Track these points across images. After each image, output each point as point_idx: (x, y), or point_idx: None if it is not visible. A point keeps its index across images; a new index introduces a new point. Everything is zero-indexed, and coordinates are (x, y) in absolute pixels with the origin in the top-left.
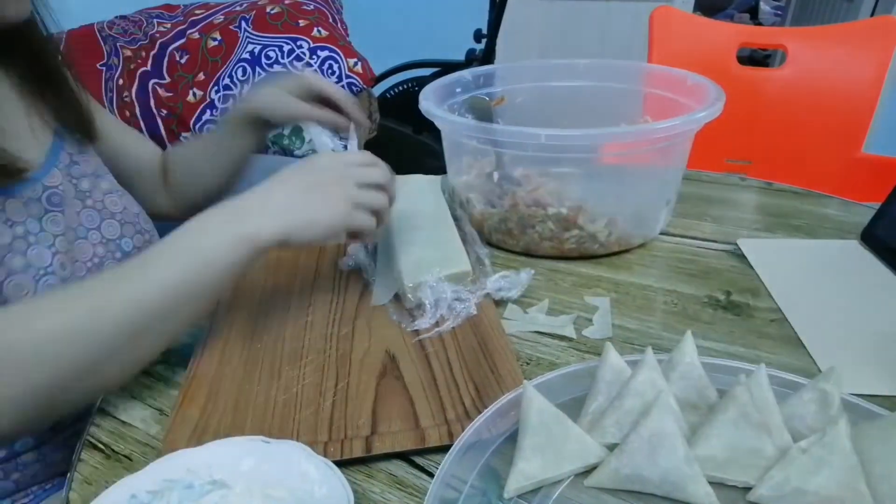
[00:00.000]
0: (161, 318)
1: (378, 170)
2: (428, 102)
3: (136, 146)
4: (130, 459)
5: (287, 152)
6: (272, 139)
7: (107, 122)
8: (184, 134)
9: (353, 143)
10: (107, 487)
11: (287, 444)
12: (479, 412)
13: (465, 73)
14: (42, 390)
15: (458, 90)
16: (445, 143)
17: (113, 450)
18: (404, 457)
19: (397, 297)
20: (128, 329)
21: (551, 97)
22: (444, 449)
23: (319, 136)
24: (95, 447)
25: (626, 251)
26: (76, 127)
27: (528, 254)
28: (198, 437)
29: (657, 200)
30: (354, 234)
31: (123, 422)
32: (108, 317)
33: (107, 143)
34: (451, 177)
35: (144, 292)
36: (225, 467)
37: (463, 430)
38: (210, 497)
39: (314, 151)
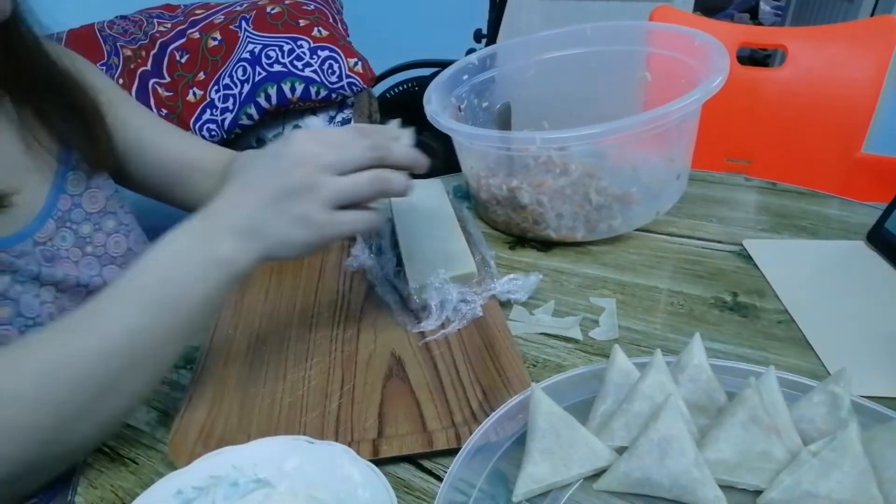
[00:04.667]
0: (132, 368)
1: (361, 178)
2: (431, 106)
3: (187, 149)
4: (136, 463)
5: None
6: (273, 139)
7: (145, 125)
8: None
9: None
10: (112, 491)
11: (331, 446)
12: (487, 415)
13: (472, 58)
14: None
15: (465, 77)
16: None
17: (118, 453)
18: (411, 460)
19: (402, 299)
20: (91, 388)
21: (559, 68)
22: (451, 452)
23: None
24: (100, 450)
25: (633, 251)
26: (88, 153)
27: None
28: (204, 440)
29: (668, 175)
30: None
31: (128, 425)
32: (65, 378)
33: (142, 151)
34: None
35: (108, 341)
36: (269, 466)
37: (470, 434)
38: (254, 495)
39: None
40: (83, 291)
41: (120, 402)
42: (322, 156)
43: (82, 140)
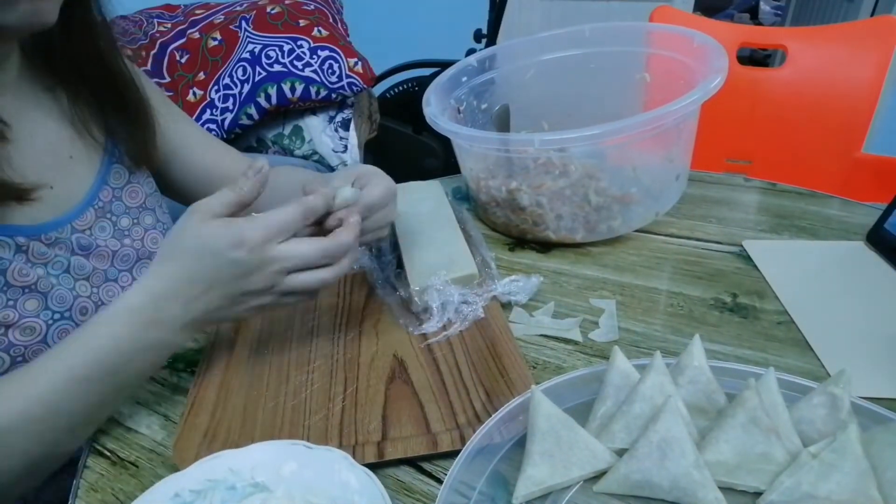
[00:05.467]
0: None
1: (313, 276)
2: (431, 108)
3: (220, 160)
4: (136, 466)
5: (287, 152)
6: (273, 139)
7: (188, 134)
8: None
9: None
10: (113, 495)
11: (329, 452)
12: (490, 416)
13: (471, 60)
14: None
15: (465, 79)
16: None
17: (119, 456)
18: (412, 462)
19: (403, 301)
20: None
21: (558, 69)
22: (454, 454)
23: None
24: (101, 454)
25: (632, 252)
26: (132, 148)
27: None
28: (208, 444)
29: (667, 176)
30: None
31: (129, 428)
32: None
33: (184, 160)
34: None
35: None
36: (267, 470)
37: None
38: (251, 500)
39: (315, 152)
40: (115, 288)
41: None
42: (284, 261)
43: (129, 135)
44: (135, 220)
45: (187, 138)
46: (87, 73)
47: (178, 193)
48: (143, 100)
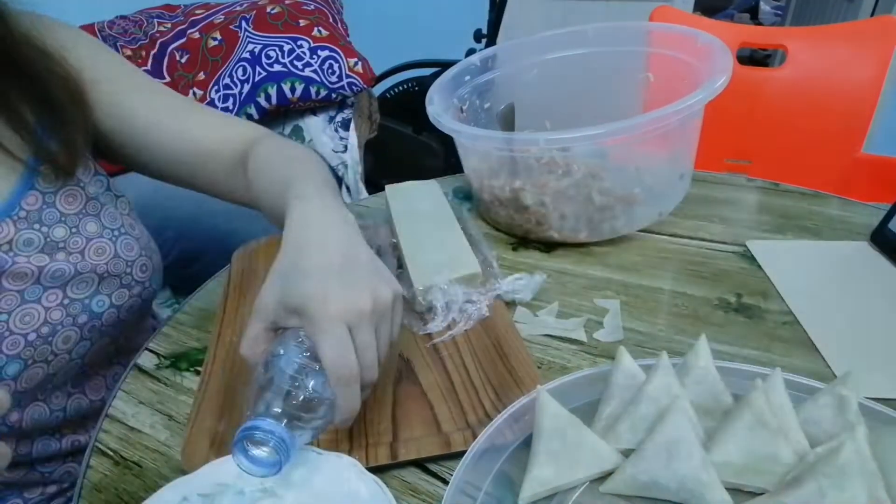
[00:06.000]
0: None
1: None
2: (434, 107)
3: (209, 133)
4: (140, 466)
5: None
6: None
7: (164, 109)
8: None
9: None
10: (117, 495)
11: (339, 458)
12: (501, 414)
13: (474, 59)
14: None
15: (467, 78)
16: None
17: (122, 456)
18: (418, 463)
19: (406, 301)
20: None
21: (561, 69)
22: (457, 455)
23: None
24: (104, 454)
25: (636, 252)
26: (55, 157)
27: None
28: (217, 449)
29: (671, 176)
30: None
31: (132, 428)
32: None
33: (164, 138)
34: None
35: None
36: (277, 476)
37: None
38: None
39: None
40: (34, 310)
41: None
42: None
43: (52, 140)
44: (73, 230)
45: (157, 114)
46: None
47: (156, 173)
48: (73, 93)
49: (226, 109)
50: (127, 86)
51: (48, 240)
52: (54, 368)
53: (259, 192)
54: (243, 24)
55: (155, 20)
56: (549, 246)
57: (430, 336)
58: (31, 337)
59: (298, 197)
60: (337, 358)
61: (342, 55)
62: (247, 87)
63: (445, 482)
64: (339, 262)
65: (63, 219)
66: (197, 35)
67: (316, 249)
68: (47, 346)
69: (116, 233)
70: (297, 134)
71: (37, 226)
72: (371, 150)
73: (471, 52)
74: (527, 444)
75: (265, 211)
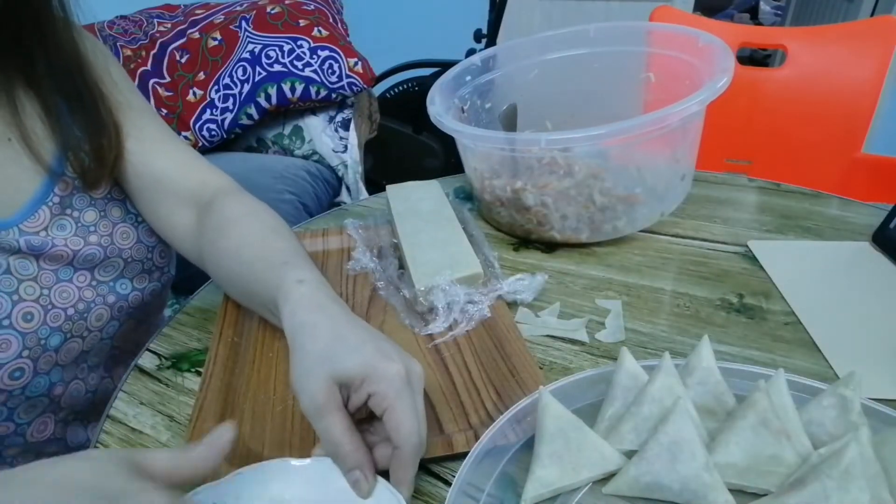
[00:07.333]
0: None
1: None
2: (435, 107)
3: (175, 174)
4: None
5: (287, 152)
6: (273, 139)
7: (150, 135)
8: (184, 133)
9: None
10: None
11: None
12: (502, 416)
13: (475, 59)
14: None
15: (468, 78)
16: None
17: None
18: (420, 464)
19: (408, 301)
20: None
21: (562, 69)
22: (459, 456)
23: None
24: None
25: (637, 252)
26: (83, 168)
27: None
28: None
29: (672, 176)
30: None
31: (133, 429)
32: None
33: (134, 161)
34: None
35: None
36: (293, 487)
37: None
38: None
39: (315, 152)
40: (67, 288)
41: None
42: None
43: (82, 149)
44: (101, 213)
45: (139, 140)
46: (43, 70)
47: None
48: (109, 109)
49: (226, 109)
50: (132, 109)
51: (80, 224)
52: (88, 345)
53: (234, 263)
54: (243, 23)
55: (155, 20)
56: (550, 246)
57: (431, 337)
58: (70, 312)
59: (301, 281)
60: (414, 424)
61: (342, 55)
62: (247, 87)
63: (448, 483)
64: (374, 336)
65: (93, 202)
66: (197, 35)
67: (349, 329)
68: (83, 321)
69: (139, 218)
70: (297, 134)
71: (69, 210)
72: (371, 150)
73: (471, 52)
74: (529, 445)
75: (231, 277)
